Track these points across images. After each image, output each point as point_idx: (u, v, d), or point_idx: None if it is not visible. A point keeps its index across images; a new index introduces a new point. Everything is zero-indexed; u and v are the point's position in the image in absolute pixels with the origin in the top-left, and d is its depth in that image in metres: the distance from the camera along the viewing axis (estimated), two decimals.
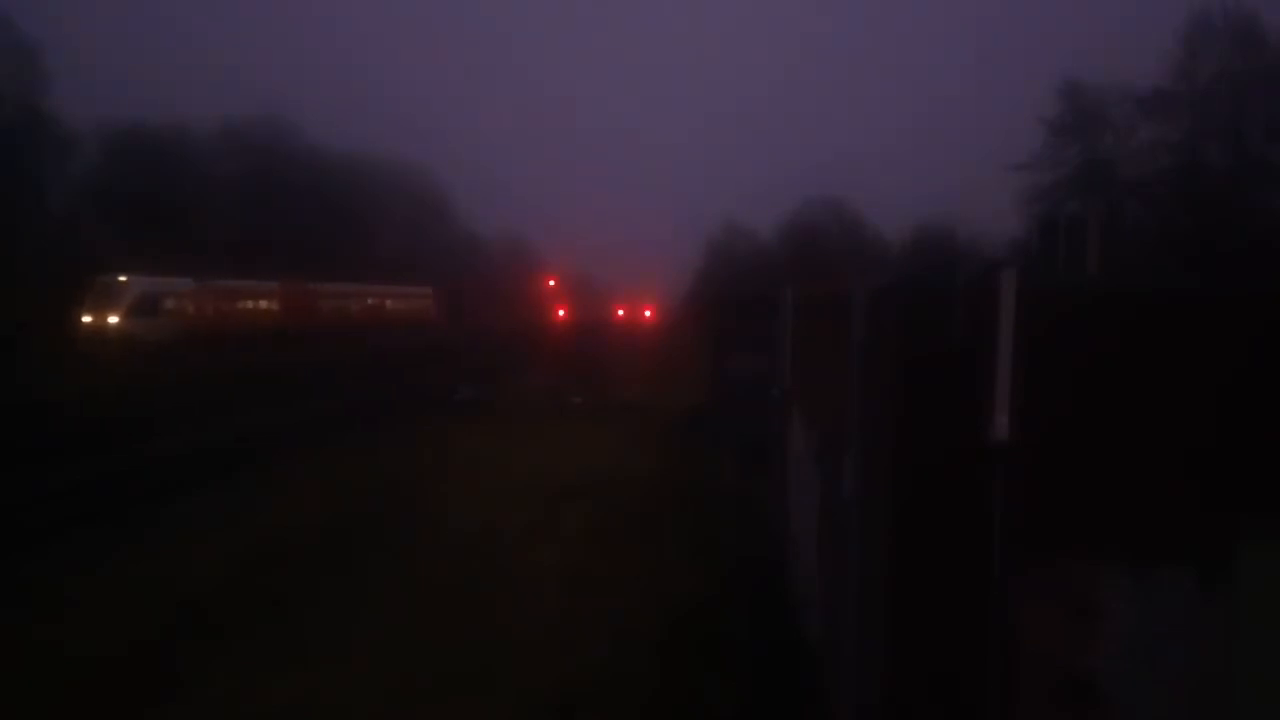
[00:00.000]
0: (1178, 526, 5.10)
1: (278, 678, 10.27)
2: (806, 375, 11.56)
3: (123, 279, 46.16)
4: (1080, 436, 5.17)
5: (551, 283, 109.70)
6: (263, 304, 57.09)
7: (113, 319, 44.81)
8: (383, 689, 10.05)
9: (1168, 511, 5.11)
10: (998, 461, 5.17)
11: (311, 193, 71.55)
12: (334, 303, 65.48)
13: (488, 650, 10.99)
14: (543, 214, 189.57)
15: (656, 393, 37.03)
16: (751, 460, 18.06)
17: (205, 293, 51.07)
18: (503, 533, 16.13)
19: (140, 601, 12.58)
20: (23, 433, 23.22)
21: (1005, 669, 5.22)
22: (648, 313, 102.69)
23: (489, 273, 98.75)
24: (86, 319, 44.68)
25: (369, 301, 72.22)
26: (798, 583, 11.09)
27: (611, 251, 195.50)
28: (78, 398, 30.05)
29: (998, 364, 5.18)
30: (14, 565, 13.99)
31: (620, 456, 23.50)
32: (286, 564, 14.32)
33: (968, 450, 5.21)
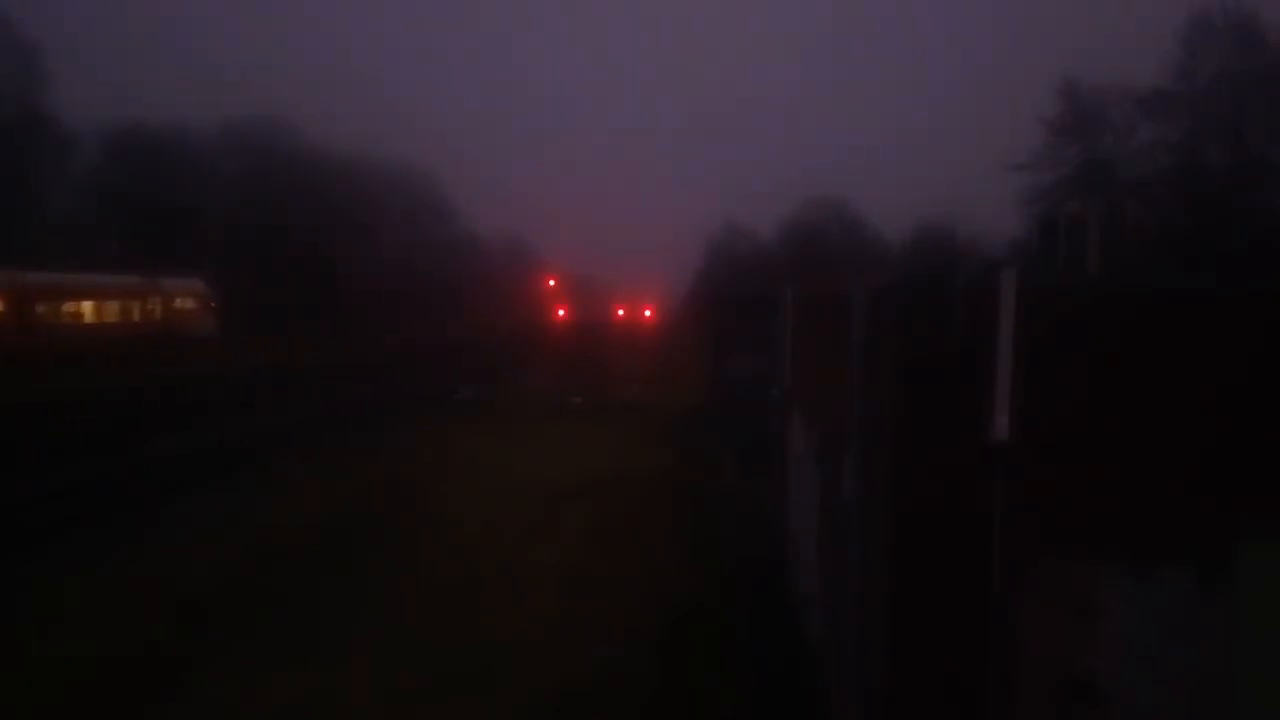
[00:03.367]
0: (1178, 526, 5.10)
1: (278, 678, 10.27)
2: (806, 375, 11.56)
3: None
4: (1080, 436, 5.17)
5: (551, 283, 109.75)
6: None
7: None
8: (383, 689, 10.05)
9: (1168, 511, 5.11)
10: (998, 461, 5.17)
11: (311, 193, 71.15)
12: None
13: (488, 650, 10.99)
14: (543, 214, 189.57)
15: (656, 393, 37.00)
16: (751, 460, 18.06)
17: None
18: (503, 533, 16.13)
19: (141, 601, 12.61)
20: None
21: (1006, 668, 5.23)
22: (648, 313, 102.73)
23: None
24: None
25: (39, 309, 41.63)
26: (798, 582, 11.10)
27: (611, 251, 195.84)
28: None
29: (998, 364, 5.18)
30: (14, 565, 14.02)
31: (620, 457, 23.49)
32: (287, 564, 14.33)
33: (967, 450, 5.21)
